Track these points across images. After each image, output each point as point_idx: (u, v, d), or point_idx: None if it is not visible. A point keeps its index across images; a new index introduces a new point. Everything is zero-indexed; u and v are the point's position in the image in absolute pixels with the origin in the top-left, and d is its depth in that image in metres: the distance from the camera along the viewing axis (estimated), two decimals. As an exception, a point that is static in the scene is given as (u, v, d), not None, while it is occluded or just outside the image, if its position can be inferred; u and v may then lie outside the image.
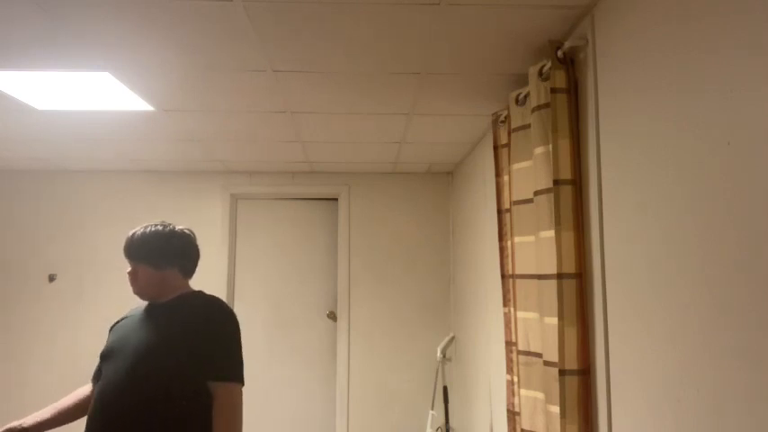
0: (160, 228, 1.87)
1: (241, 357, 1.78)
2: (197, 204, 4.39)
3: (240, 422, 1.71)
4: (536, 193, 1.83)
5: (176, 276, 1.89)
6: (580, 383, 1.65)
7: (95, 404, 1.74)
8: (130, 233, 1.87)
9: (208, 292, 4.27)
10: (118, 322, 1.93)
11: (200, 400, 1.70)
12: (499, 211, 2.38)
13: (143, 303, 1.94)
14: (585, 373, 1.67)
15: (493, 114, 2.52)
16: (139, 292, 1.87)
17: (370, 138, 3.27)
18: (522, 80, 2.29)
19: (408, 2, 1.65)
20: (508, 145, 2.21)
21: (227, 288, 4.32)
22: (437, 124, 2.98)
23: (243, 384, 1.76)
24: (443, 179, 4.46)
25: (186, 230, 1.94)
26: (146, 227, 1.88)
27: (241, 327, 4.38)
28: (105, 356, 1.82)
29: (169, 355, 1.71)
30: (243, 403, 1.79)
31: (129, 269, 1.87)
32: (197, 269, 4.31)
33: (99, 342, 4.27)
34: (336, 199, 4.52)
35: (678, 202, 1.21)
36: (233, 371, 1.73)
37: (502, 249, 2.36)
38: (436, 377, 4.20)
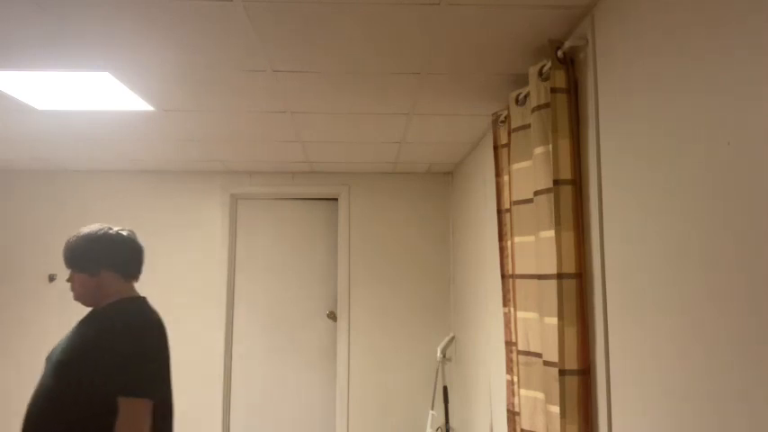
0: (94, 230, 1.81)
1: (151, 371, 1.69)
2: (197, 204, 4.39)
3: None
4: (536, 193, 1.83)
5: (114, 280, 1.81)
6: (580, 383, 1.65)
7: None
8: (68, 239, 1.82)
9: (208, 292, 4.29)
10: None
11: (111, 416, 1.63)
12: (499, 211, 2.38)
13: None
14: (585, 373, 1.67)
15: (493, 114, 2.52)
16: (78, 298, 1.81)
17: (370, 138, 3.27)
18: (522, 80, 2.29)
19: (408, 2, 1.65)
20: (508, 145, 2.21)
21: (227, 288, 4.32)
22: (437, 124, 2.98)
23: (151, 399, 1.66)
24: (443, 179, 4.46)
25: (124, 231, 1.87)
26: (80, 231, 1.82)
27: (241, 326, 4.40)
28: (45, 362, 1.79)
29: (81, 368, 1.65)
30: (149, 419, 1.66)
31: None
32: (196, 269, 4.32)
33: (99, 342, 4.27)
34: (336, 199, 4.52)
35: (678, 202, 1.21)
36: (137, 385, 1.64)
37: (502, 249, 2.36)
38: (436, 377, 4.20)
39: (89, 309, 1.88)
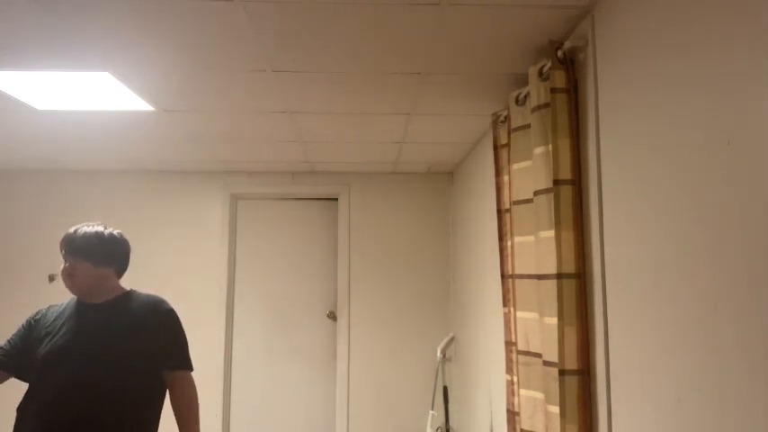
0: (101, 229, 1.98)
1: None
2: (197, 204, 4.39)
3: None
4: (536, 193, 1.83)
5: (114, 277, 2.01)
6: (580, 383, 1.65)
7: (52, 406, 1.77)
8: (72, 230, 1.95)
9: (208, 292, 4.29)
10: (38, 318, 1.96)
11: (159, 392, 1.95)
12: (499, 211, 2.38)
13: (67, 301, 1.99)
14: (585, 373, 1.67)
15: (493, 114, 2.52)
16: (76, 286, 1.91)
17: (370, 138, 3.27)
18: (522, 80, 2.29)
19: (408, 2, 1.65)
20: (508, 145, 2.21)
21: (227, 288, 4.32)
22: (437, 124, 2.98)
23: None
24: (443, 179, 4.46)
25: (122, 234, 2.05)
26: (87, 225, 1.97)
27: (241, 326, 4.41)
28: (49, 359, 1.82)
29: (138, 355, 1.87)
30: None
31: (64, 265, 1.92)
32: (196, 269, 4.32)
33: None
34: (336, 199, 4.52)
35: (678, 201, 1.21)
36: (190, 360, 2.02)
37: (502, 249, 2.36)
38: (436, 377, 4.20)
39: (75, 303, 1.99)
